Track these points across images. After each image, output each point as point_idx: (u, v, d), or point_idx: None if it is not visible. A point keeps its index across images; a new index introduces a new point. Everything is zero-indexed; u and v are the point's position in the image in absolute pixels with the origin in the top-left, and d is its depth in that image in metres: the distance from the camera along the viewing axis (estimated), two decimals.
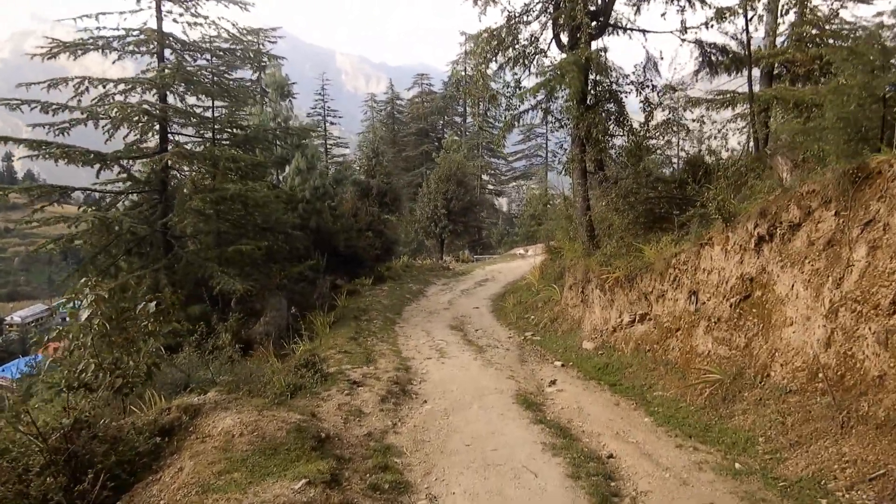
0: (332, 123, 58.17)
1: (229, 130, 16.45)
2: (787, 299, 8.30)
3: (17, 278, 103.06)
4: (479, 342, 14.69)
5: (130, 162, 15.86)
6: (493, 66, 15.16)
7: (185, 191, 14.41)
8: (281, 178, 22.71)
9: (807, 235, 8.20)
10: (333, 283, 22.82)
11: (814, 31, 19.23)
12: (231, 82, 16.38)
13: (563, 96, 14.14)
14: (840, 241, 7.66)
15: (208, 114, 16.24)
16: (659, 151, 14.77)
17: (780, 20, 16.62)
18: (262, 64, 22.11)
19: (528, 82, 14.50)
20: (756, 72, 17.63)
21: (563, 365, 12.37)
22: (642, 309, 11.77)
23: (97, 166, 14.87)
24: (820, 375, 7.45)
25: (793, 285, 8.24)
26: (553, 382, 10.98)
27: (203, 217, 15.46)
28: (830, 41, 17.51)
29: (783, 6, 16.16)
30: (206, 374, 10.19)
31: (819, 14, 18.87)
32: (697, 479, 6.74)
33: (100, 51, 15.47)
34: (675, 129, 14.00)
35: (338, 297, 19.28)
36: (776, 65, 17.57)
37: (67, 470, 5.80)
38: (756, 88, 17.47)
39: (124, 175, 15.35)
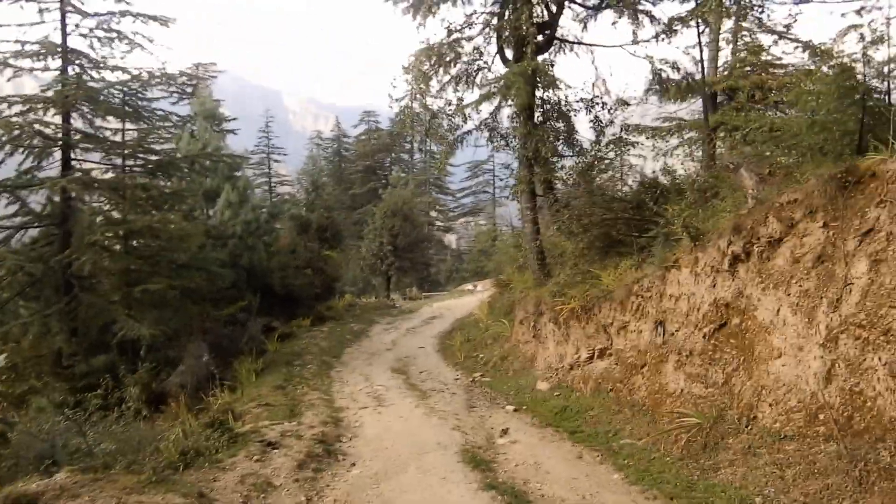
0: (276, 161, 56.29)
1: (141, 157, 14.52)
2: (773, 327, 7.00)
3: None
4: (422, 386, 13.00)
5: (27, 192, 13.78)
6: (435, 84, 13.92)
7: (82, 224, 12.40)
8: (211, 212, 20.74)
9: (790, 252, 6.96)
10: (268, 325, 20.80)
11: (753, 60, 19.03)
12: (144, 104, 14.54)
13: (509, 114, 12.93)
14: (832, 257, 6.43)
15: (118, 138, 14.31)
16: (611, 171, 13.66)
17: (720, 47, 16.10)
18: (188, 90, 20.32)
19: (472, 99, 13.31)
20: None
21: (515, 409, 10.80)
22: (601, 343, 10.39)
23: None
24: (822, 417, 6.11)
25: (778, 310, 6.96)
26: (505, 432, 9.38)
27: (107, 253, 13.42)
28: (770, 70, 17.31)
29: (724, 36, 15.66)
30: (83, 442, 8.16)
31: (757, 45, 18.72)
32: None
33: None
34: (626, 147, 12.92)
35: (270, 341, 17.29)
36: (718, 93, 17.05)
37: None
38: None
39: (18, 207, 13.24)
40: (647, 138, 14.68)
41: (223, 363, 15.48)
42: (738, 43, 22.22)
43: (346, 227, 52.32)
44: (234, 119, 41.37)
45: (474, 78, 13.63)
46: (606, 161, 13.46)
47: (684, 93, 15.67)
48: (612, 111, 13.06)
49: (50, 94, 13.71)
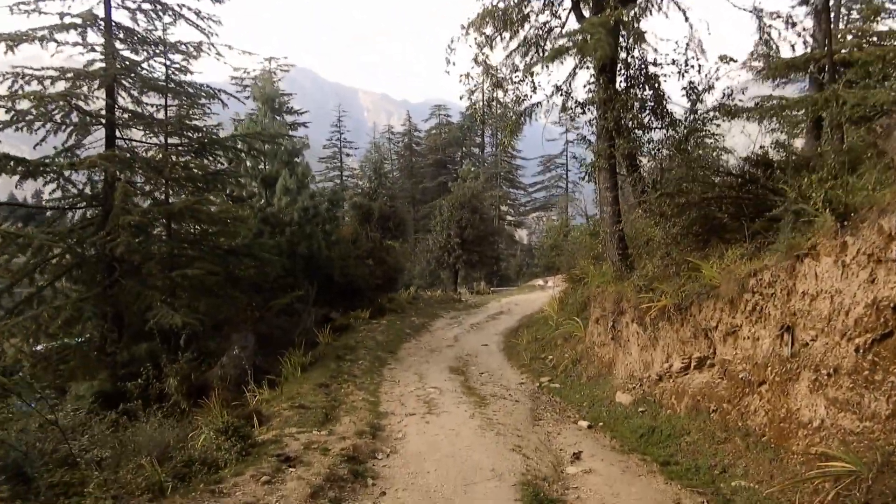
0: (348, 155, 55.84)
1: (186, 134, 13.31)
2: None
3: None
4: (481, 390, 11.17)
5: (71, 172, 12.88)
6: (500, 52, 12.02)
7: (116, 202, 11.27)
8: (273, 200, 19.63)
9: None
10: (327, 315, 19.54)
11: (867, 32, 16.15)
12: (187, 84, 13.32)
13: (585, 80, 10.87)
14: None
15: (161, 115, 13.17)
16: (710, 147, 11.29)
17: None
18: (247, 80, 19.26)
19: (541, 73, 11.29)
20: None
21: (590, 426, 8.79)
22: (701, 351, 8.20)
23: (20, 177, 11.91)
24: None
25: None
26: (577, 457, 7.42)
27: (142, 235, 12.27)
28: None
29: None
30: (69, 448, 6.76)
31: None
32: None
33: (38, 43, 12.67)
34: (730, 117, 10.53)
35: (324, 333, 15.87)
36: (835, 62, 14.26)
37: None
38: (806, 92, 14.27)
39: (55, 186, 12.31)
40: (749, 119, 12.16)
41: (272, 355, 14.22)
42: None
43: (414, 220, 51.16)
44: (304, 112, 40.88)
45: (544, 42, 11.62)
46: (701, 133, 11.07)
47: (793, 66, 13.09)
48: (710, 76, 10.68)
49: (94, 68, 12.73)
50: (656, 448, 7.51)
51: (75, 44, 12.87)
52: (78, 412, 9.13)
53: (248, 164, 19.40)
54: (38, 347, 13.14)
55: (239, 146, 14.84)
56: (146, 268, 12.32)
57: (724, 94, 10.88)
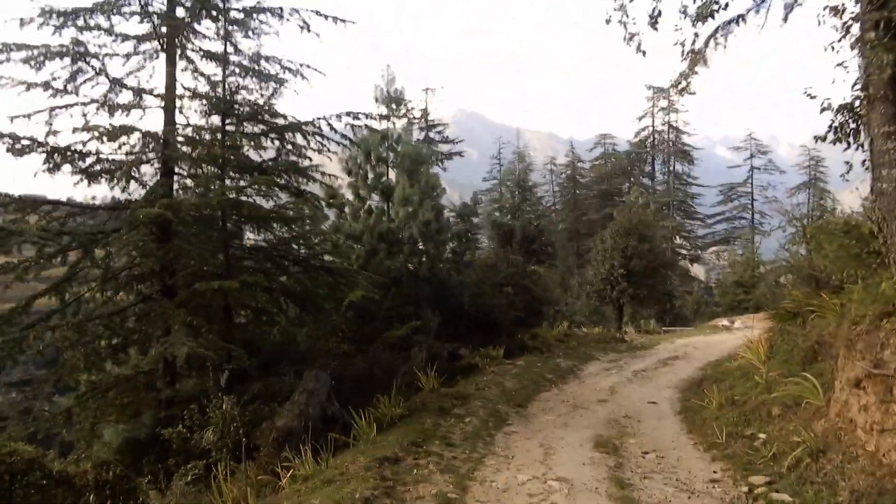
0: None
1: (265, 119, 10.31)
2: None
3: None
4: (643, 491, 6.28)
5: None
6: None
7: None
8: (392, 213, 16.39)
9: None
10: (454, 352, 15.58)
11: None
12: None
13: None
14: None
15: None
16: None
17: None
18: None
19: None
20: None
21: None
22: None
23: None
24: None
25: None
26: None
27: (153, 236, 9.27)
28: None
29: None
30: None
31: None
32: None
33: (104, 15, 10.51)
34: None
35: (428, 375, 11.75)
36: None
37: None
38: None
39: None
40: None
41: (365, 398, 10.51)
42: None
43: (576, 254, 45.74)
44: (460, 141, 38.40)
45: None
46: None
47: None
48: None
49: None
50: None
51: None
52: None
53: (369, 174, 16.44)
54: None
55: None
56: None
57: None
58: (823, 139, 6.88)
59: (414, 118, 37.28)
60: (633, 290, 28.45)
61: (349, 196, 16.84)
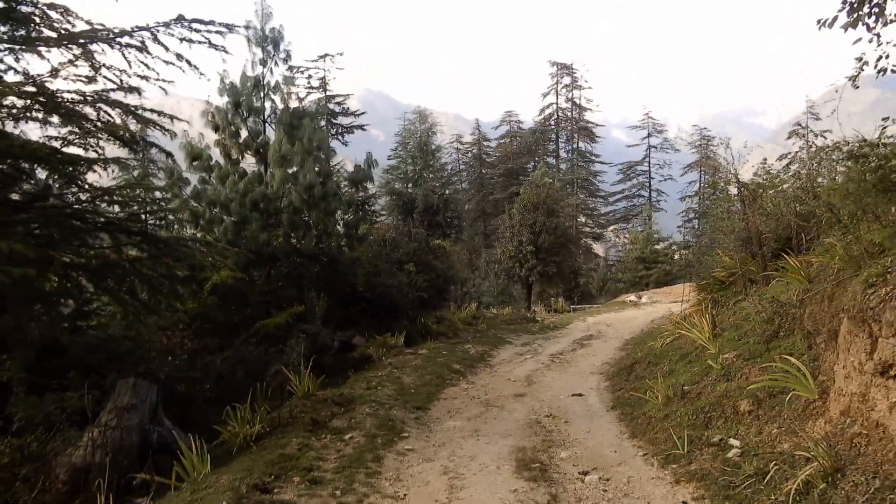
0: None
1: None
2: None
3: None
4: None
5: None
6: None
7: None
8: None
9: None
10: (347, 342, 12.93)
11: None
12: None
13: None
14: None
15: None
16: None
17: None
18: None
19: None
20: None
21: None
22: None
23: None
24: None
25: None
26: None
27: None
28: None
29: None
30: None
31: None
32: None
33: None
34: None
35: (303, 375, 9.01)
36: None
37: None
38: None
39: None
40: None
41: (219, 414, 7.66)
42: None
43: (483, 233, 44.11)
44: (362, 113, 35.27)
45: None
46: None
47: None
48: None
49: None
50: None
51: None
52: None
53: (242, 131, 13.29)
54: None
55: None
56: None
57: None
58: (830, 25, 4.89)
59: (312, 87, 33.84)
60: (542, 267, 26.98)
61: (219, 158, 13.63)
